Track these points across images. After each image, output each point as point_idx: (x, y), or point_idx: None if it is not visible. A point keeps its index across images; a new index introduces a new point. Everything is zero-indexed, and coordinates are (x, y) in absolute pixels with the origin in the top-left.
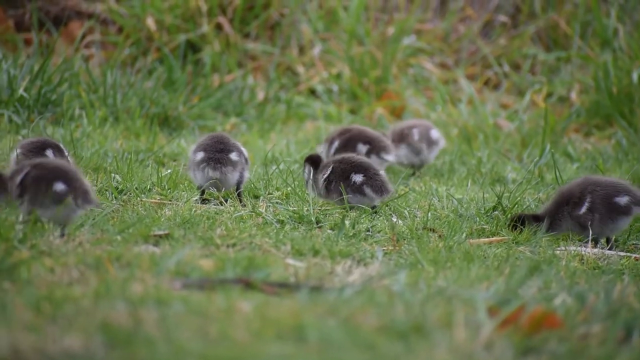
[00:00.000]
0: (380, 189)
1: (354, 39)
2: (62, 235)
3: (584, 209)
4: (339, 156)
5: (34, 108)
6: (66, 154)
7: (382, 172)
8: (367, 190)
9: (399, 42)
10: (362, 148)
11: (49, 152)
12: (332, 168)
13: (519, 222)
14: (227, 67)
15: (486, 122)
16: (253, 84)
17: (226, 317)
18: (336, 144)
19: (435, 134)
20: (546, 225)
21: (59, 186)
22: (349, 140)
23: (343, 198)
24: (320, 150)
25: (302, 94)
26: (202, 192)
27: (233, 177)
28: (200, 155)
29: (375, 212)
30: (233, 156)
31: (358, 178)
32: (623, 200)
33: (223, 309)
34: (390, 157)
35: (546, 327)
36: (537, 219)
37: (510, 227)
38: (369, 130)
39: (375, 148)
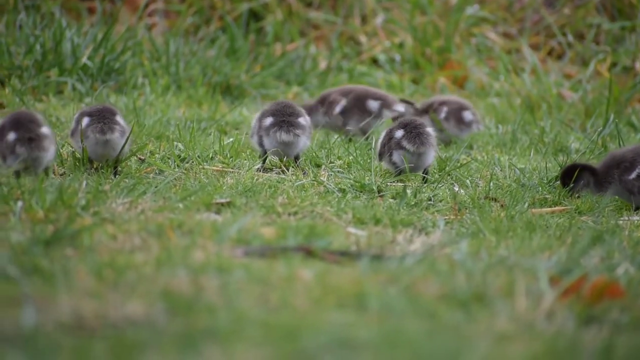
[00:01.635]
0: (415, 140)
1: (417, 8)
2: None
3: (633, 175)
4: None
5: (98, 76)
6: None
7: (427, 128)
8: (405, 143)
9: (462, 12)
10: (374, 104)
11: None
12: (385, 132)
13: (570, 174)
14: (289, 36)
15: (549, 92)
16: (315, 53)
17: (287, 285)
18: (343, 102)
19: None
20: (592, 184)
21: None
22: (357, 99)
23: (392, 160)
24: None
25: (364, 63)
26: (264, 160)
27: (302, 141)
28: (270, 120)
29: (426, 180)
30: (302, 120)
31: (399, 133)
32: None
33: (284, 276)
34: (400, 107)
35: (608, 296)
36: (592, 171)
37: (562, 179)
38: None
39: (386, 103)
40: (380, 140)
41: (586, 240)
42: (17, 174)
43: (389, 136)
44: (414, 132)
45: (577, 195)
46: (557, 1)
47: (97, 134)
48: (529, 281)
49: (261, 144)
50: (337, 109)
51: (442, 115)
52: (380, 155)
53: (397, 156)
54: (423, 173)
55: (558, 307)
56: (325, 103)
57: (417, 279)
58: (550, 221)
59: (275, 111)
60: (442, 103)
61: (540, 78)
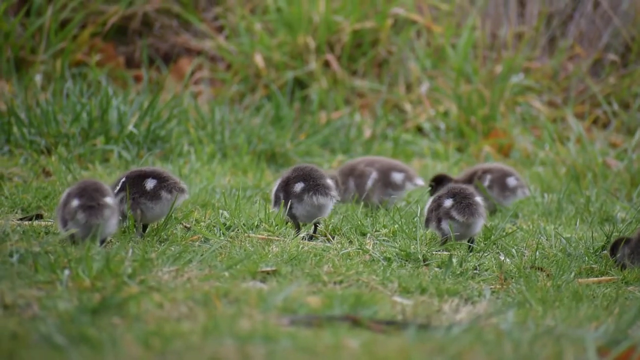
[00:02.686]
0: (464, 211)
1: (462, 76)
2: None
3: None
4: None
5: (144, 144)
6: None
7: (477, 198)
8: (454, 213)
9: (507, 80)
10: (398, 176)
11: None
12: (432, 199)
13: (618, 246)
14: (334, 104)
15: (595, 161)
16: (360, 121)
17: (333, 354)
18: (375, 175)
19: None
20: (629, 255)
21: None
22: (381, 172)
23: (440, 227)
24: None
25: (409, 131)
26: (298, 227)
27: (332, 203)
28: (301, 185)
29: (471, 249)
30: (330, 182)
31: (448, 202)
32: None
33: (330, 345)
34: (420, 181)
35: None
36: (629, 243)
37: (610, 250)
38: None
39: (409, 175)
40: (426, 207)
41: (634, 310)
42: (72, 239)
43: (437, 203)
44: (463, 202)
45: (619, 266)
46: (602, 70)
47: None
48: (577, 352)
49: (291, 212)
50: (369, 182)
51: (486, 183)
52: (427, 222)
53: (445, 225)
54: (469, 242)
55: None
56: (354, 175)
57: (464, 348)
58: (597, 291)
59: (305, 175)
60: (486, 171)
61: (586, 147)
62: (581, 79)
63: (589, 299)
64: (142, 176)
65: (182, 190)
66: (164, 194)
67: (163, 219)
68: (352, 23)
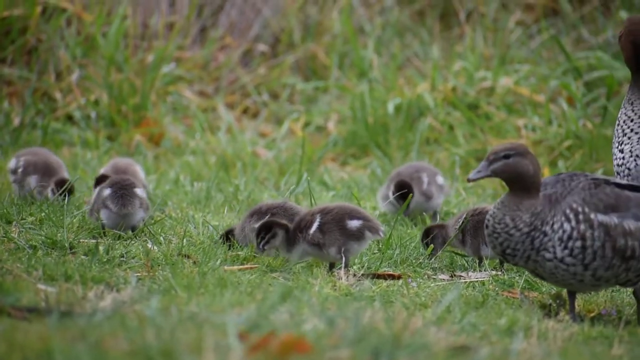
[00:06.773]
0: (117, 202)
1: (113, 65)
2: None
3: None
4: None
5: None
6: None
7: (136, 189)
8: (109, 202)
9: (159, 70)
10: None
11: None
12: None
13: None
14: None
15: (245, 150)
16: (8, 109)
17: None
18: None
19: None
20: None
21: None
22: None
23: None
24: None
25: (59, 120)
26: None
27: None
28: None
29: (120, 236)
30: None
31: (106, 192)
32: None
33: None
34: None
35: (296, 351)
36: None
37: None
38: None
39: None
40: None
41: (276, 296)
42: None
43: (99, 194)
44: (120, 193)
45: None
46: (252, 61)
47: None
48: (219, 336)
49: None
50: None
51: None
52: (90, 212)
53: (103, 213)
54: (132, 230)
55: None
56: None
57: (105, 335)
58: (242, 278)
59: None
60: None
61: (236, 136)
62: (232, 69)
63: (234, 285)
64: None
65: None
66: None
67: None
68: None
